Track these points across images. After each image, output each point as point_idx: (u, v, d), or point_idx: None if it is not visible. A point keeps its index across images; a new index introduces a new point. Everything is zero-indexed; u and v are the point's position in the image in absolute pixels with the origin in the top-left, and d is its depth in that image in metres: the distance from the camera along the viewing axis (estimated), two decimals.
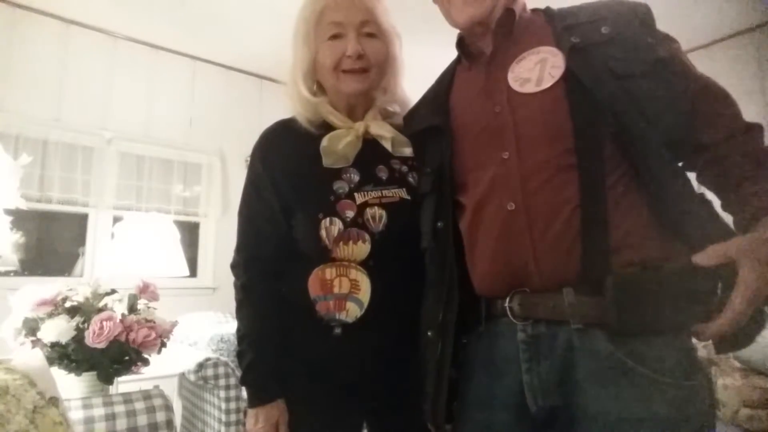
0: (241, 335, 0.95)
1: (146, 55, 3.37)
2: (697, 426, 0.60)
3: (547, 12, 0.82)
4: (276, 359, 0.93)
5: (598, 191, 0.65)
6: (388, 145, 0.96)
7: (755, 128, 0.68)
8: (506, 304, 0.71)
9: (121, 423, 1.34)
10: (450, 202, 0.81)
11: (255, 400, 0.92)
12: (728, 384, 2.21)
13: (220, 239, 3.51)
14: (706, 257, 0.59)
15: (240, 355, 0.94)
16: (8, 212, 1.52)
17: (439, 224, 0.81)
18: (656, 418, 0.59)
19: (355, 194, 0.90)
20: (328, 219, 0.88)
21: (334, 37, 0.94)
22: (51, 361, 1.50)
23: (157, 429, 1.39)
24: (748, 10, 3.08)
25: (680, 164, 0.71)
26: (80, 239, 3.04)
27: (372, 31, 0.96)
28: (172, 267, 2.58)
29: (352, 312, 0.89)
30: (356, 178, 0.92)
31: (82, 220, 3.04)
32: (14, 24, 2.87)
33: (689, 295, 0.61)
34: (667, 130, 0.66)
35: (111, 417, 1.34)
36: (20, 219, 1.70)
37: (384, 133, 0.96)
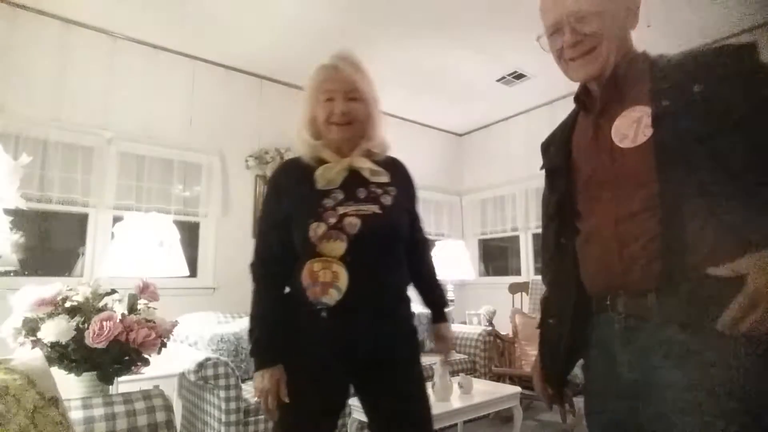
0: (251, 316, 1.27)
1: (146, 55, 3.37)
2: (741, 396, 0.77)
3: (653, 60, 0.95)
4: (276, 334, 1.24)
5: (673, 226, 0.84)
6: (367, 174, 1.30)
7: None
8: (607, 303, 0.95)
9: (121, 423, 1.34)
10: (572, 225, 1.03)
11: (260, 364, 1.21)
12: None
13: (220, 239, 3.52)
14: (720, 270, 0.76)
15: (250, 331, 1.27)
16: (8, 212, 1.52)
17: (562, 240, 1.05)
18: (709, 387, 0.78)
19: (338, 207, 1.23)
20: (315, 223, 1.21)
21: (328, 100, 1.29)
22: (51, 361, 1.50)
23: (157, 429, 1.39)
24: (748, 10, 3.08)
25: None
26: (80, 239, 3.04)
27: (355, 96, 1.29)
28: (172, 267, 2.58)
29: (334, 296, 1.19)
30: (340, 196, 1.25)
31: (82, 220, 3.04)
32: (14, 24, 2.87)
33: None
34: (749, 178, 0.78)
35: (111, 417, 1.34)
36: (20, 219, 1.70)
37: (363, 165, 1.30)
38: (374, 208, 1.25)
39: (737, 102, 0.80)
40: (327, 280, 1.19)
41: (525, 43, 3.43)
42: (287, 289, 1.30)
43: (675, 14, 3.09)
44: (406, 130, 4.93)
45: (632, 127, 0.90)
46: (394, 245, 1.29)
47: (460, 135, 5.42)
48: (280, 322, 1.24)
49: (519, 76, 3.96)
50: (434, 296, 1.49)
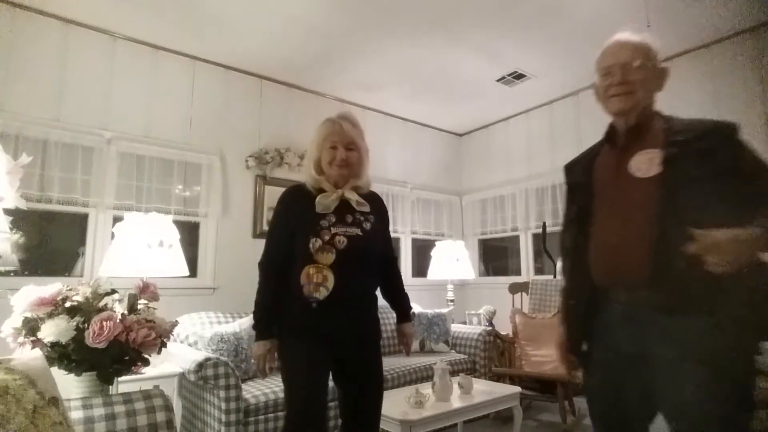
0: (256, 301, 1.70)
1: (146, 55, 3.37)
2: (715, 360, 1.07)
3: (666, 118, 1.29)
4: (272, 316, 1.68)
5: (664, 239, 1.12)
6: (354, 204, 1.72)
7: None
8: (610, 294, 1.25)
9: (121, 423, 1.34)
10: (586, 230, 1.31)
11: (258, 336, 1.66)
12: None
13: (220, 239, 3.52)
14: (691, 247, 1.01)
15: (254, 314, 1.70)
16: (8, 212, 1.52)
17: (579, 238, 1.33)
18: (689, 357, 1.08)
19: (331, 228, 1.64)
20: (314, 238, 1.61)
21: (332, 147, 1.71)
22: (51, 361, 1.50)
23: (157, 429, 1.39)
24: (748, 10, 3.08)
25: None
26: (80, 239, 3.04)
27: (352, 147, 1.72)
28: (172, 267, 2.58)
29: (323, 293, 1.59)
30: (333, 219, 1.66)
31: (82, 220, 3.04)
32: (14, 24, 2.87)
33: (713, 291, 1.06)
34: (721, 211, 1.07)
35: (111, 417, 1.34)
36: (20, 219, 1.70)
37: (352, 197, 1.72)
38: (357, 231, 1.67)
39: (722, 161, 1.12)
40: (319, 281, 1.60)
41: (525, 43, 3.44)
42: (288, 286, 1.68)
43: (675, 14, 3.09)
44: (407, 130, 4.93)
45: (646, 163, 1.21)
46: (369, 259, 1.71)
47: (460, 135, 5.42)
48: (275, 306, 1.69)
49: (519, 76, 3.96)
50: (401, 302, 1.88)
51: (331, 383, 1.69)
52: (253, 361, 1.65)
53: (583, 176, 1.38)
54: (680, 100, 3.59)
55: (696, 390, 1.07)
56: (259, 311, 1.69)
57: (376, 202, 1.82)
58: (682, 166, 1.14)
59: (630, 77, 1.25)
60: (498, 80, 4.02)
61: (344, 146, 1.70)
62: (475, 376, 3.23)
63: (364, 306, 1.72)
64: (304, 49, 3.46)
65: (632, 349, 1.19)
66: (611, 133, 1.36)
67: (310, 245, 1.60)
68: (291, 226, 1.68)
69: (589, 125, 4.14)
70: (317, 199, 1.67)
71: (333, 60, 3.62)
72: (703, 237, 0.99)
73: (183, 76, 3.53)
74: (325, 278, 1.59)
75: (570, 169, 1.49)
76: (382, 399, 1.76)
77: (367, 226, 1.70)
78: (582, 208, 1.34)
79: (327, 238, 1.61)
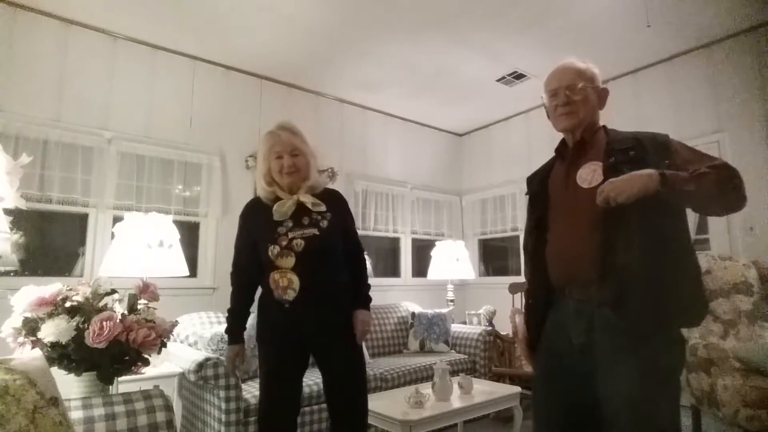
0: (228, 309, 1.87)
1: (146, 55, 3.37)
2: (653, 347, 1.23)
3: (607, 132, 1.44)
4: (242, 322, 1.86)
5: (608, 242, 1.26)
6: (310, 206, 1.81)
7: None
8: (565, 292, 1.38)
9: (121, 423, 1.34)
10: (544, 236, 1.45)
11: (230, 341, 1.85)
12: (728, 384, 2.21)
13: (220, 239, 3.52)
14: (600, 197, 1.21)
15: (226, 319, 1.86)
16: (8, 212, 1.52)
17: (538, 244, 1.46)
18: (625, 347, 1.23)
19: (289, 233, 1.75)
20: (272, 246, 1.73)
21: (278, 157, 1.82)
22: (51, 361, 1.50)
23: (157, 429, 1.39)
24: (747, 10, 3.08)
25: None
26: (80, 239, 3.04)
27: (297, 152, 1.83)
28: (172, 267, 2.58)
29: (291, 295, 1.71)
30: (290, 224, 1.77)
31: (82, 220, 3.04)
32: (14, 24, 2.87)
33: (660, 290, 1.22)
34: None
35: (111, 417, 1.33)
36: (20, 219, 1.70)
37: (307, 200, 1.81)
38: (314, 231, 1.77)
39: (656, 165, 1.22)
40: (284, 285, 1.72)
41: (525, 43, 3.44)
42: (260, 290, 1.82)
43: (675, 14, 3.09)
44: (407, 130, 4.93)
45: (590, 174, 1.35)
46: (329, 255, 1.79)
47: (460, 135, 5.42)
48: (246, 313, 1.87)
49: (519, 76, 3.96)
50: (360, 289, 1.91)
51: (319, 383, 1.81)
52: (225, 362, 1.79)
53: (539, 187, 1.52)
54: (680, 100, 3.60)
55: (624, 371, 1.22)
56: (230, 318, 1.85)
57: (332, 198, 1.89)
58: (620, 175, 1.25)
59: (573, 98, 1.41)
60: (498, 80, 4.02)
61: (289, 153, 1.81)
62: (475, 376, 3.23)
63: (334, 302, 1.78)
64: (304, 49, 3.46)
65: (581, 340, 1.33)
66: (561, 148, 1.51)
67: (269, 252, 1.72)
68: (252, 236, 1.82)
69: None
70: (274, 207, 1.79)
71: (333, 60, 3.62)
72: (606, 185, 1.21)
73: (183, 76, 3.53)
74: (291, 281, 1.70)
75: (530, 181, 1.61)
76: (365, 393, 1.85)
77: (324, 224, 1.79)
78: (540, 217, 1.48)
79: (284, 243, 1.72)
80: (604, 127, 1.46)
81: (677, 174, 1.20)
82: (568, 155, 1.46)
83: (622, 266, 1.23)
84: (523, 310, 1.58)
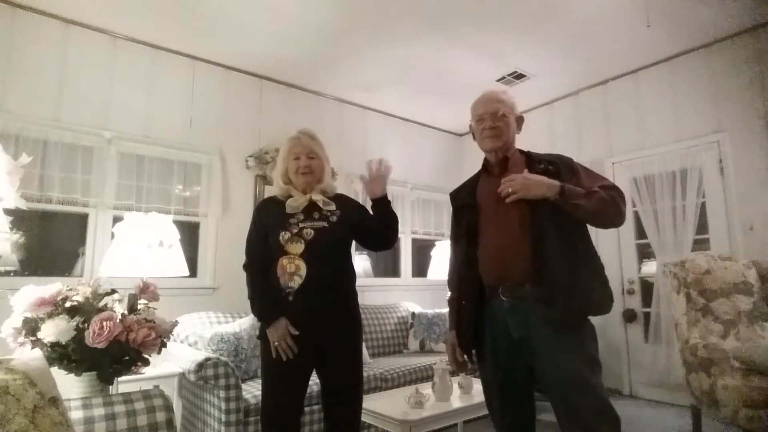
0: (250, 296, 1.87)
1: (146, 55, 3.37)
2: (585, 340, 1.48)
3: (525, 153, 1.71)
4: (270, 302, 1.80)
5: (537, 243, 1.48)
6: (320, 204, 1.91)
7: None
8: (499, 291, 1.55)
9: (121, 423, 1.34)
10: (475, 241, 1.64)
11: (269, 322, 1.78)
12: (728, 384, 2.20)
13: (220, 239, 3.52)
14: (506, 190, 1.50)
15: (252, 306, 1.86)
16: (8, 212, 1.52)
17: (470, 250, 1.65)
18: (561, 336, 1.44)
19: (300, 224, 1.84)
20: (283, 232, 1.82)
21: (296, 158, 1.94)
22: (51, 361, 1.50)
23: (157, 429, 1.39)
24: (748, 10, 3.08)
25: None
26: (80, 239, 3.04)
27: (313, 156, 1.95)
28: (172, 267, 2.58)
29: (297, 282, 1.77)
30: (302, 217, 1.87)
31: (82, 220, 3.04)
32: (14, 24, 2.87)
33: (580, 288, 1.45)
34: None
35: (111, 417, 1.33)
36: (20, 219, 1.70)
37: (318, 199, 1.91)
38: (324, 224, 1.85)
39: (565, 179, 1.50)
40: (292, 270, 1.78)
41: (525, 43, 3.44)
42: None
43: (675, 14, 3.09)
44: (407, 130, 4.93)
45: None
46: (337, 248, 1.87)
47: (460, 135, 5.42)
48: (270, 291, 1.82)
49: (519, 76, 3.96)
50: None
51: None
52: (276, 343, 1.75)
53: (469, 198, 1.73)
54: (680, 100, 3.60)
55: (566, 357, 1.41)
56: (258, 301, 1.85)
57: (342, 199, 2.00)
58: None
59: (497, 123, 1.66)
60: (498, 80, 4.02)
61: (306, 155, 1.93)
62: (475, 377, 3.23)
63: (338, 296, 1.84)
64: (303, 49, 3.46)
65: (518, 335, 1.50)
66: (487, 165, 1.76)
67: (280, 237, 1.80)
68: (265, 227, 1.89)
69: (588, 125, 4.16)
70: (287, 202, 1.90)
71: (333, 60, 3.62)
72: (519, 177, 1.49)
73: (183, 76, 3.53)
74: (298, 267, 1.77)
75: (456, 195, 1.83)
76: (361, 399, 1.90)
77: (334, 219, 1.88)
78: (470, 224, 1.66)
79: (295, 230, 1.81)
80: (519, 149, 1.73)
81: (574, 189, 1.47)
82: (494, 170, 1.71)
83: (551, 267, 1.43)
84: (452, 316, 1.73)
